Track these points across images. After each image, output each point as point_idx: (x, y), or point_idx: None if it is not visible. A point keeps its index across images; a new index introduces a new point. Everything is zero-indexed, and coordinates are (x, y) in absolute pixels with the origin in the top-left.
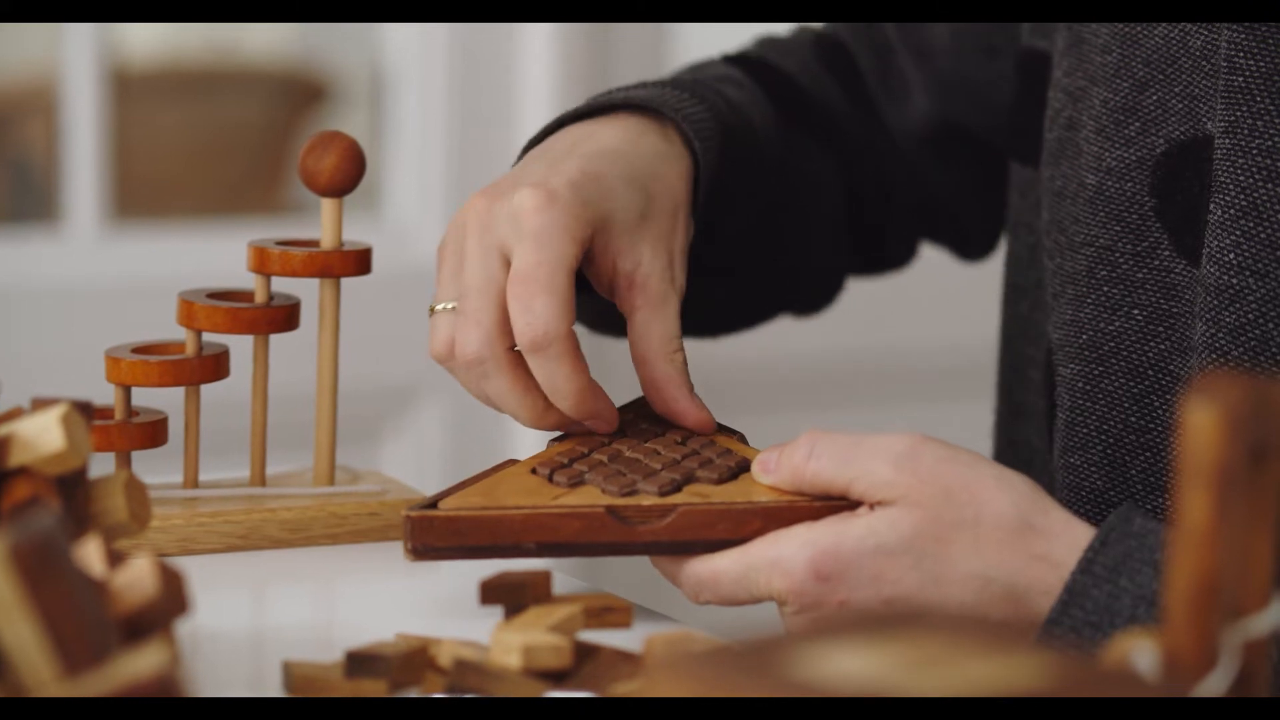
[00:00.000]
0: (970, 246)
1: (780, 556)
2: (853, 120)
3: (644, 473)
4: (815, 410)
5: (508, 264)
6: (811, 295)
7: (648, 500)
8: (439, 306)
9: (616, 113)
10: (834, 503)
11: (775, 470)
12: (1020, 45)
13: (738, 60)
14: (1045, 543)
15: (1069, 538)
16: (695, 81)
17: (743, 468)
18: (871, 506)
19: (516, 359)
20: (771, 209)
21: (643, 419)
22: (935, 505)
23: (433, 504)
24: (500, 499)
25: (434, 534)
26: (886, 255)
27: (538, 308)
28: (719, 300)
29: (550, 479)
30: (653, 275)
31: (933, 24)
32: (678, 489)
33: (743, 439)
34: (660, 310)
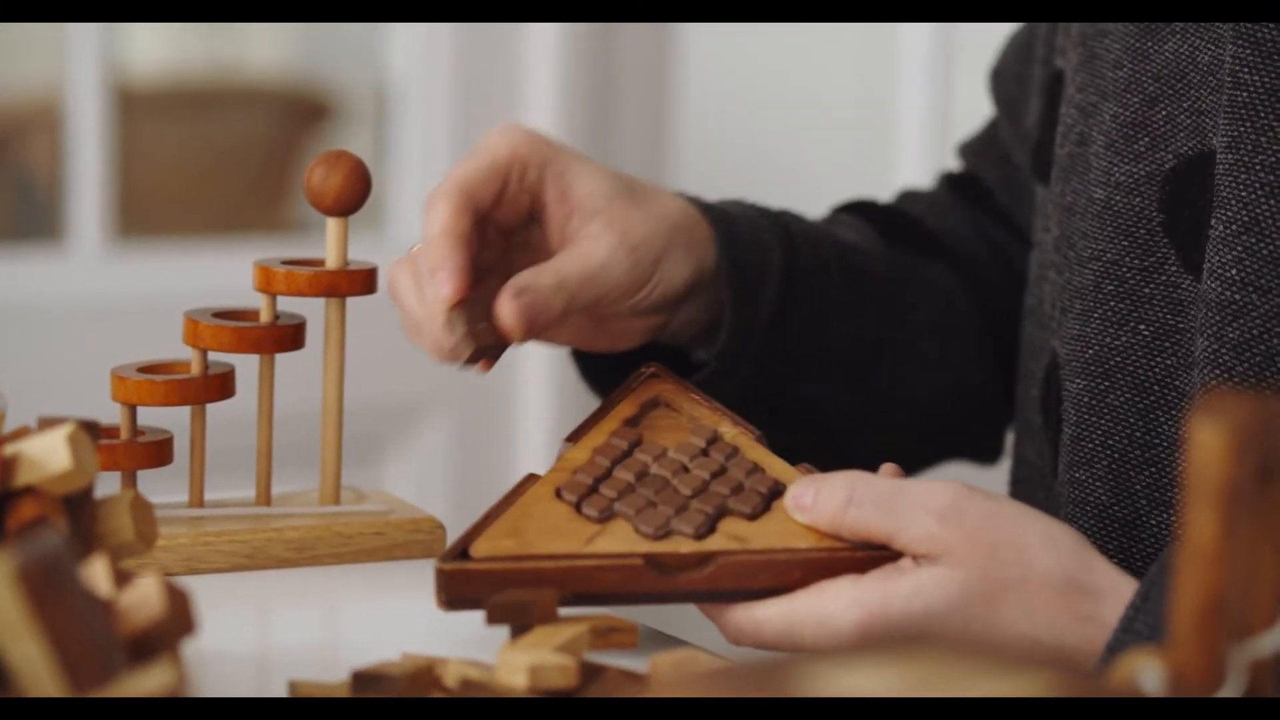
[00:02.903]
0: None
1: (828, 615)
2: (982, 246)
3: (676, 505)
4: None
5: None
6: (972, 438)
7: (685, 546)
8: None
9: None
10: (877, 553)
11: (812, 510)
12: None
13: (847, 206)
14: (1093, 603)
15: (1116, 596)
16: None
17: (775, 492)
18: (915, 558)
19: (459, 205)
20: (887, 321)
21: (657, 417)
22: (982, 564)
23: (463, 551)
24: (531, 541)
25: (469, 587)
26: None
27: (449, 175)
28: (870, 432)
29: (579, 509)
30: (586, 236)
31: (1030, 102)
32: (712, 527)
33: (762, 438)
34: (572, 257)
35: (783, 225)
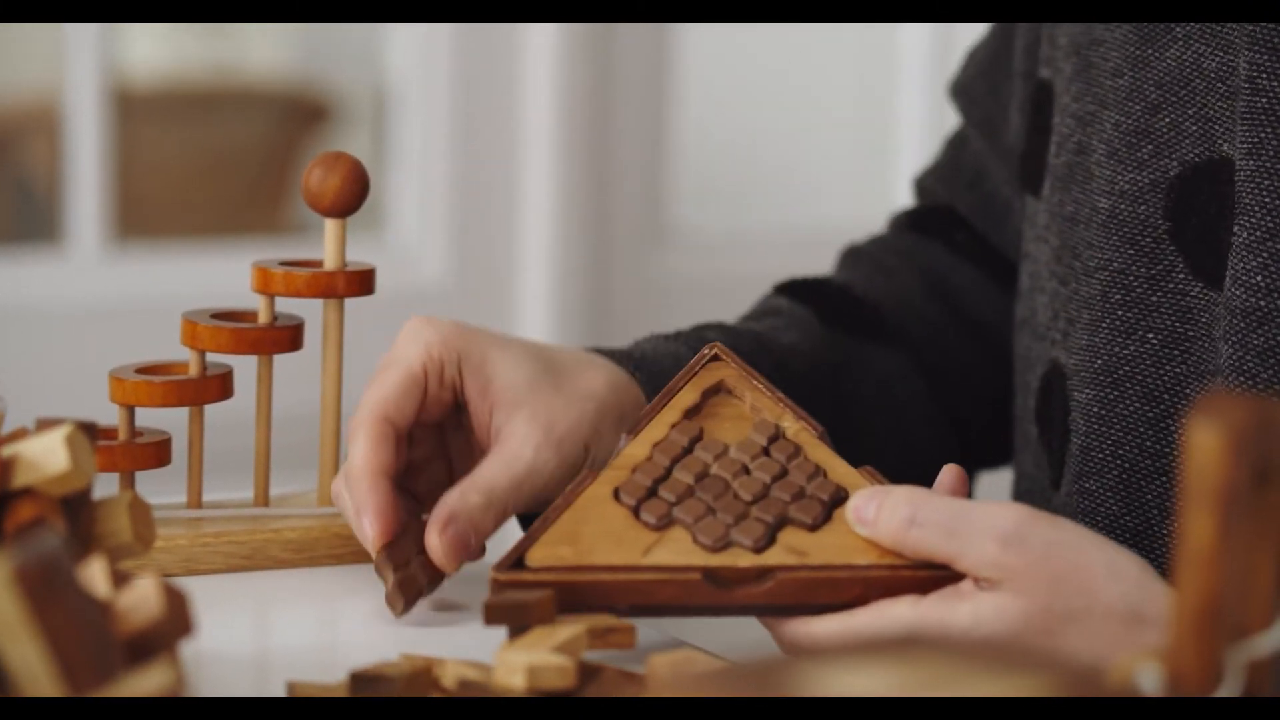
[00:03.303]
0: None
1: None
2: (938, 316)
3: (736, 513)
4: None
5: None
6: None
7: (744, 560)
8: None
9: None
10: (938, 573)
11: (873, 526)
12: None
13: (785, 287)
14: (1157, 634)
15: None
16: (698, 327)
17: (837, 500)
18: (977, 581)
19: (371, 439)
20: (835, 415)
21: (719, 405)
22: (1044, 594)
23: (519, 559)
24: (589, 550)
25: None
26: (1002, 445)
27: (367, 396)
28: None
29: (636, 514)
30: (515, 435)
31: (1010, 116)
32: (772, 538)
33: (824, 435)
34: (500, 461)
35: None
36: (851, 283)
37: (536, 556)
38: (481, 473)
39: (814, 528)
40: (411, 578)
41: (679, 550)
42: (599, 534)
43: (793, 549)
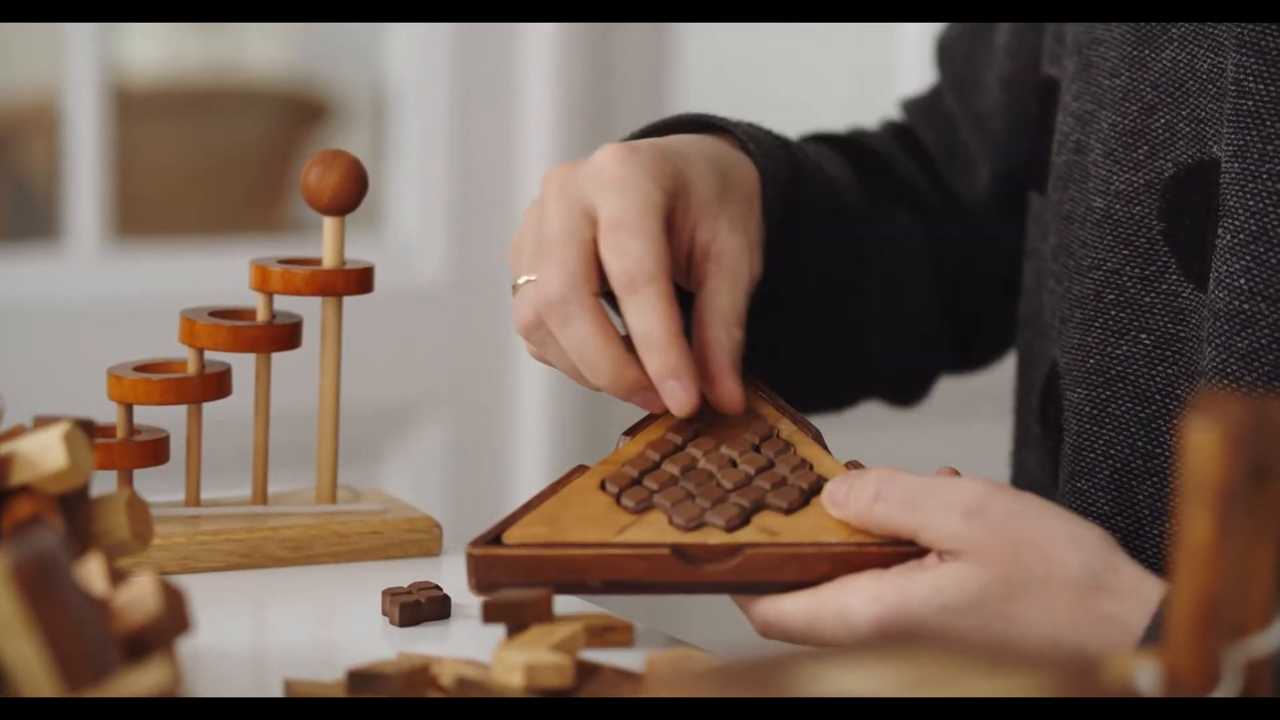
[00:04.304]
0: None
1: (847, 610)
2: (934, 196)
3: (713, 497)
4: (846, 429)
5: (591, 219)
6: (902, 382)
7: (714, 538)
8: (521, 280)
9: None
10: (903, 548)
11: (843, 506)
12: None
13: (817, 137)
14: (1116, 603)
15: (1139, 596)
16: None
17: (816, 489)
18: (940, 555)
19: (599, 305)
20: (856, 260)
21: (719, 421)
22: (1004, 563)
23: (496, 537)
24: (565, 529)
25: (498, 571)
26: (981, 345)
27: (632, 248)
28: (813, 369)
29: (618, 500)
30: (728, 249)
31: (985, 83)
32: (746, 520)
33: (818, 436)
34: (732, 281)
35: (791, 155)
36: (875, 146)
37: (513, 535)
38: (721, 302)
39: (789, 512)
40: (411, 598)
41: (653, 530)
42: (578, 518)
43: (764, 529)
